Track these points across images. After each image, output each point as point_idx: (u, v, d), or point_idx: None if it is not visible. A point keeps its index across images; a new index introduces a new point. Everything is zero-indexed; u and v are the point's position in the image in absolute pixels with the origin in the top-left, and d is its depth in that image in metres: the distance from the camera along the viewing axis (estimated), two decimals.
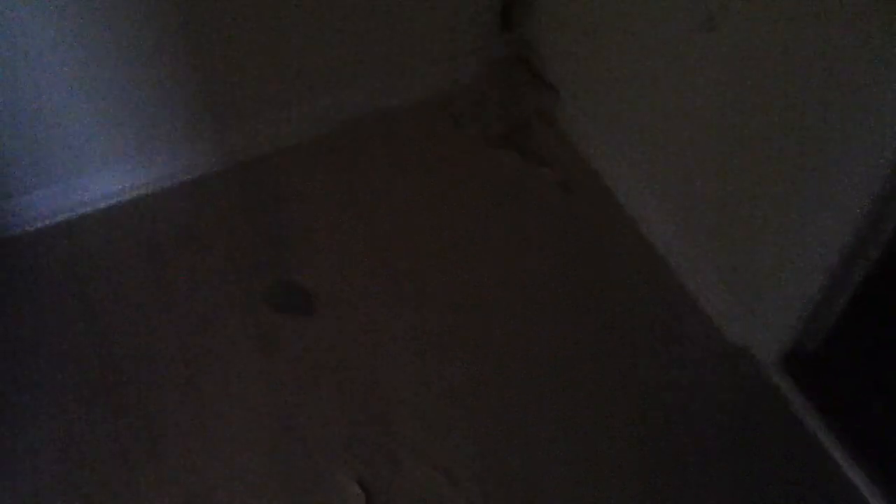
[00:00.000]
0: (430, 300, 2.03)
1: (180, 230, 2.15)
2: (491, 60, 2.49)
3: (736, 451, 1.80)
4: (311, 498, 1.72)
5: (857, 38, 1.36)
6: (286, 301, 2.01)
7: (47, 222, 2.15)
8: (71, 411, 1.83)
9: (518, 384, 1.89)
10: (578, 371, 1.91)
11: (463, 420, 1.83)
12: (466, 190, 2.26)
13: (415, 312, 2.00)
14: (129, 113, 2.06)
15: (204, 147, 2.23)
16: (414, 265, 2.09)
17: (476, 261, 2.11)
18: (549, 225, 2.19)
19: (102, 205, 2.19)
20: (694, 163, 1.90)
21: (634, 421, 1.84)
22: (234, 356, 1.92)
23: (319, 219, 2.18)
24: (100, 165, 2.13)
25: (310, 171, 2.28)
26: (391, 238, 2.15)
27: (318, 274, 2.06)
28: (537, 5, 2.36)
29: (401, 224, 2.18)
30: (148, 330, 1.96)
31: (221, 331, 1.96)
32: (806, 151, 1.56)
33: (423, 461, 1.77)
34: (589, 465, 1.77)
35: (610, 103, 2.18)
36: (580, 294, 2.04)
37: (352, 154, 2.33)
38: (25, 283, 2.04)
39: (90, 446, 1.78)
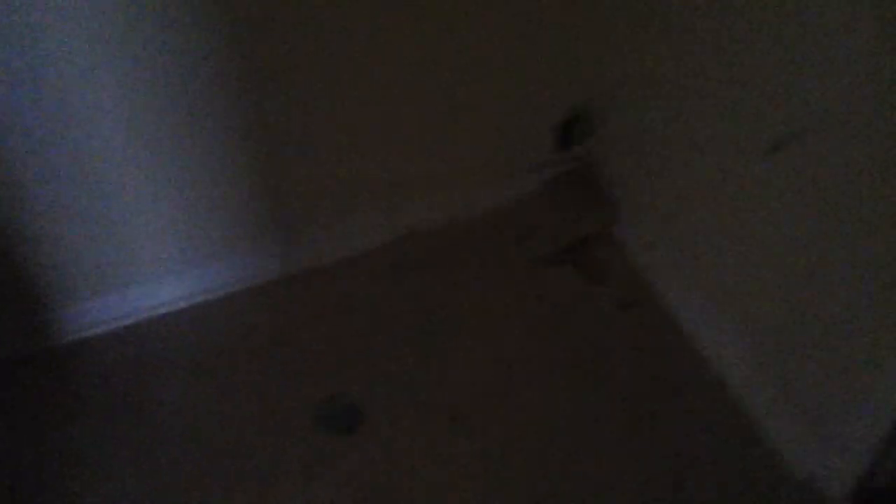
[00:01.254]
0: (483, 423, 1.98)
1: (238, 339, 2.17)
2: (551, 177, 2.51)
3: None
4: None
5: None
6: (336, 418, 1.98)
7: (104, 329, 2.17)
8: None
9: None
10: (638, 500, 1.84)
11: None
12: (525, 307, 2.24)
13: (466, 437, 1.96)
14: (194, 220, 2.11)
15: (267, 255, 2.27)
16: (468, 385, 2.06)
17: (533, 384, 2.06)
18: (607, 347, 2.15)
19: (161, 311, 2.22)
20: (760, 288, 1.86)
21: None
22: (278, 479, 1.88)
23: (375, 331, 2.18)
24: (161, 272, 2.17)
25: (369, 283, 2.30)
26: (446, 354, 2.13)
27: (371, 390, 2.04)
28: (598, 125, 2.39)
29: (458, 341, 2.16)
30: (196, 446, 1.94)
31: (268, 450, 1.93)
32: (876, 278, 1.52)
33: None
34: None
35: (672, 224, 2.17)
36: (640, 421, 1.98)
37: (411, 267, 2.35)
38: (79, 391, 2.06)
39: None
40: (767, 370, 1.90)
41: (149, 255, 2.12)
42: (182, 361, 2.12)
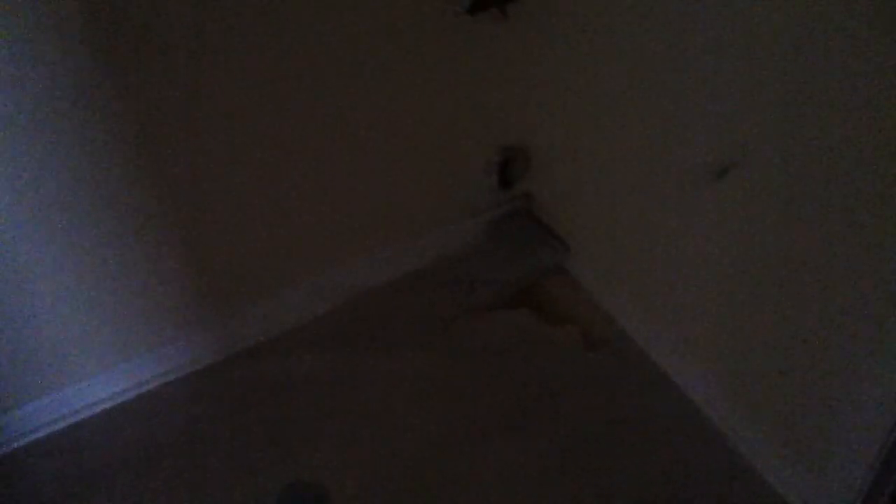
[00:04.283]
0: (454, 490, 1.83)
1: (180, 432, 2.00)
2: (495, 219, 2.41)
3: None
4: None
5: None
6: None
7: (39, 435, 1.99)
8: None
9: None
10: None
11: None
12: (485, 360, 2.12)
13: None
14: (120, 311, 1.95)
15: (202, 338, 2.12)
16: (433, 451, 1.92)
17: (503, 442, 1.93)
18: (577, 389, 2.03)
19: (97, 410, 2.05)
20: (726, 314, 1.78)
21: None
22: None
23: (329, 407, 2.02)
24: (91, 369, 2.00)
25: (316, 353, 2.15)
26: (407, 423, 1.98)
27: (330, 471, 1.88)
28: (536, 161, 2.31)
29: (417, 407, 2.02)
30: None
31: None
32: (847, 293, 1.44)
33: None
34: None
35: (624, 253, 2.09)
36: (620, 464, 1.86)
37: (361, 331, 2.21)
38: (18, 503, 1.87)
39: None
40: (745, 401, 1.81)
41: (73, 355, 1.96)
42: (122, 464, 1.93)
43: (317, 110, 1.91)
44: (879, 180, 1.30)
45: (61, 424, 2.02)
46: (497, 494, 1.82)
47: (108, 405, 2.06)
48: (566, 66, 2.01)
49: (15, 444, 1.98)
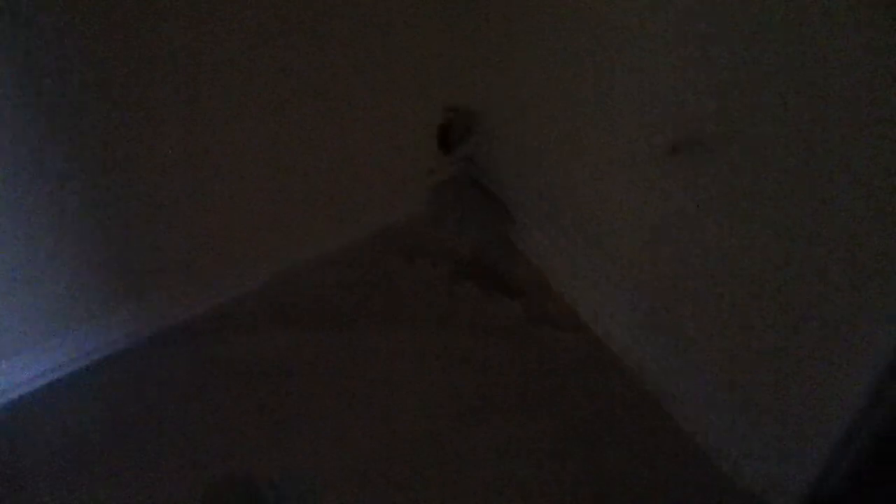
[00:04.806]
0: (404, 482, 1.75)
1: (106, 418, 1.88)
2: (437, 186, 2.31)
3: None
4: None
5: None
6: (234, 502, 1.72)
7: None
8: None
9: None
10: None
11: None
12: (429, 334, 2.03)
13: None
14: (32, 293, 1.82)
15: (127, 314, 1.99)
16: (378, 441, 1.82)
17: (453, 420, 1.85)
18: (523, 366, 1.96)
19: (13, 395, 1.92)
20: (679, 289, 1.72)
21: None
22: None
23: (267, 390, 1.92)
24: (3, 352, 1.87)
25: (249, 336, 2.04)
26: (352, 409, 1.89)
27: (269, 466, 1.78)
28: (478, 124, 2.21)
29: (362, 389, 1.92)
30: None
31: None
32: (813, 276, 1.39)
33: None
34: None
35: (571, 225, 2.02)
36: (574, 441, 1.80)
37: (300, 305, 2.11)
38: None
39: None
40: (700, 378, 1.76)
41: None
42: (43, 455, 1.81)
43: (249, 69, 1.79)
44: (822, 154, 1.25)
45: None
46: (451, 487, 1.75)
47: (23, 391, 1.93)
48: (511, 25, 1.91)
49: None
